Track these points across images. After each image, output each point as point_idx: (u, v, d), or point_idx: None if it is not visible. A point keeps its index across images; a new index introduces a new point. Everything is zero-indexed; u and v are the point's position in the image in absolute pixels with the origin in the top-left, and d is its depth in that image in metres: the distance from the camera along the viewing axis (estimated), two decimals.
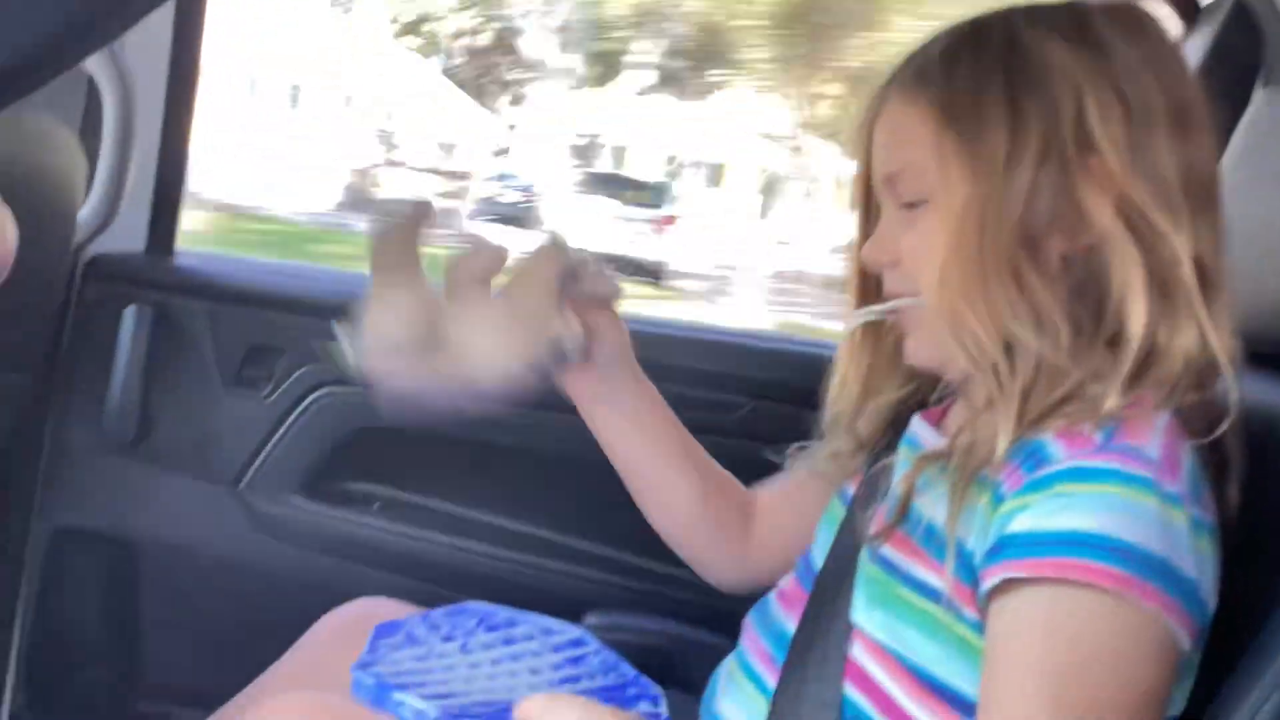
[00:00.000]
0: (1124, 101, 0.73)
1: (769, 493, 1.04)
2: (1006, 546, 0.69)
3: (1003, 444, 0.72)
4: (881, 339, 0.89)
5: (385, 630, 0.97)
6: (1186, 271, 0.72)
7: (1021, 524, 0.69)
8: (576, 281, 0.90)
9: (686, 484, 0.99)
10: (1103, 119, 0.73)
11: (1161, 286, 0.72)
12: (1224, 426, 0.72)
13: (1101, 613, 0.66)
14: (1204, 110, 0.76)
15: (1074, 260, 0.75)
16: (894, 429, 0.89)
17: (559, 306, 0.88)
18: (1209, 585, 0.69)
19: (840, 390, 0.91)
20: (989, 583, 0.70)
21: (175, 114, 1.43)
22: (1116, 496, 0.67)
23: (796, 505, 1.00)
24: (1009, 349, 0.73)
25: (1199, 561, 0.68)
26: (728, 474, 1.04)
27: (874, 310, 0.85)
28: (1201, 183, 0.75)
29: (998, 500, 0.72)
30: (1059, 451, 0.70)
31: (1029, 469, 0.71)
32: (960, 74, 0.77)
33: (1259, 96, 1.10)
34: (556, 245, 0.89)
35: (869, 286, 0.88)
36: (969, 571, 0.72)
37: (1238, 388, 0.73)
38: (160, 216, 1.44)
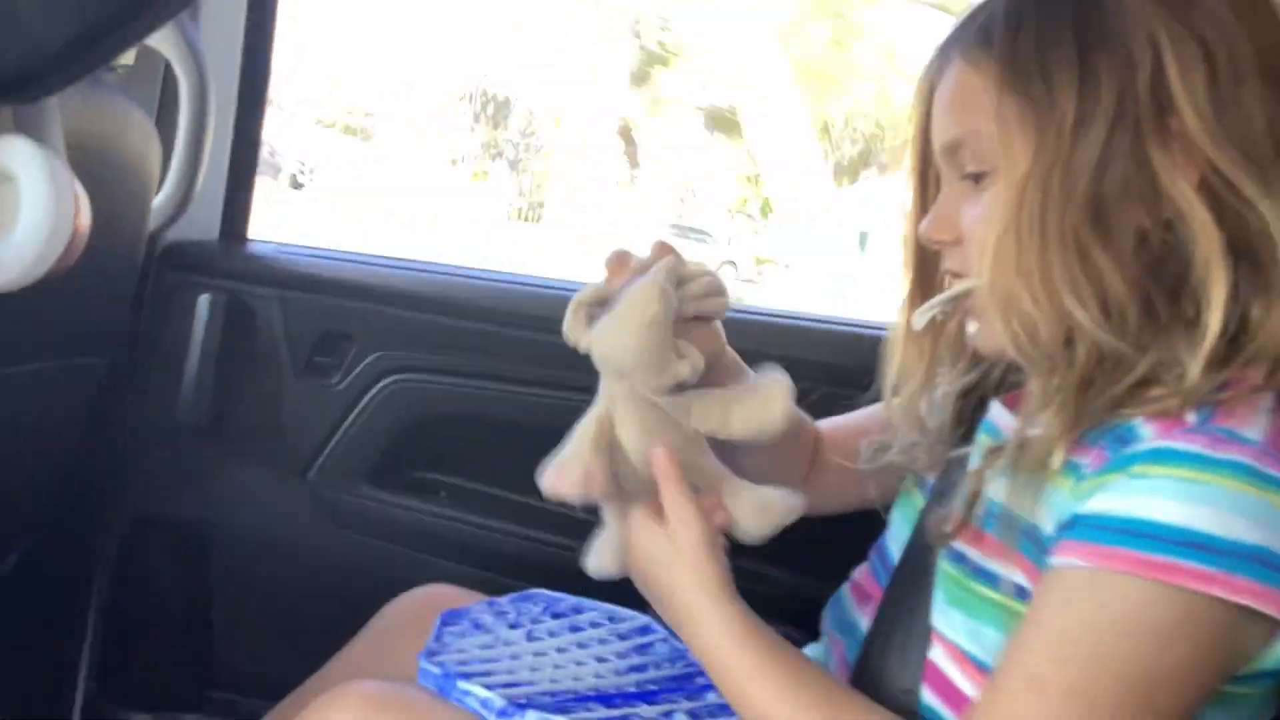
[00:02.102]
0: (1208, 53, 0.67)
1: (834, 432, 1.01)
2: (1076, 524, 0.66)
3: (1059, 454, 0.68)
4: (942, 323, 0.83)
5: (451, 618, 0.96)
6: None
7: (1096, 504, 0.65)
8: (690, 301, 0.82)
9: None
10: (1183, 74, 0.67)
11: (1251, 258, 0.67)
12: None
13: (1163, 605, 0.62)
14: None
15: (1152, 235, 0.69)
16: (975, 413, 0.85)
17: (671, 343, 0.78)
18: None
19: (899, 382, 0.86)
20: (1054, 560, 0.66)
21: (249, 102, 1.45)
22: (1198, 483, 0.62)
23: (854, 454, 0.94)
24: (1068, 337, 0.69)
25: None
26: (802, 416, 1.00)
27: (936, 302, 0.79)
28: None
29: (1079, 481, 0.68)
30: (1148, 432, 0.66)
31: (1114, 450, 0.67)
32: (1026, 30, 0.71)
33: None
34: (669, 271, 0.80)
35: (927, 265, 0.82)
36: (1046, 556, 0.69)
37: None
38: (234, 203, 1.46)
